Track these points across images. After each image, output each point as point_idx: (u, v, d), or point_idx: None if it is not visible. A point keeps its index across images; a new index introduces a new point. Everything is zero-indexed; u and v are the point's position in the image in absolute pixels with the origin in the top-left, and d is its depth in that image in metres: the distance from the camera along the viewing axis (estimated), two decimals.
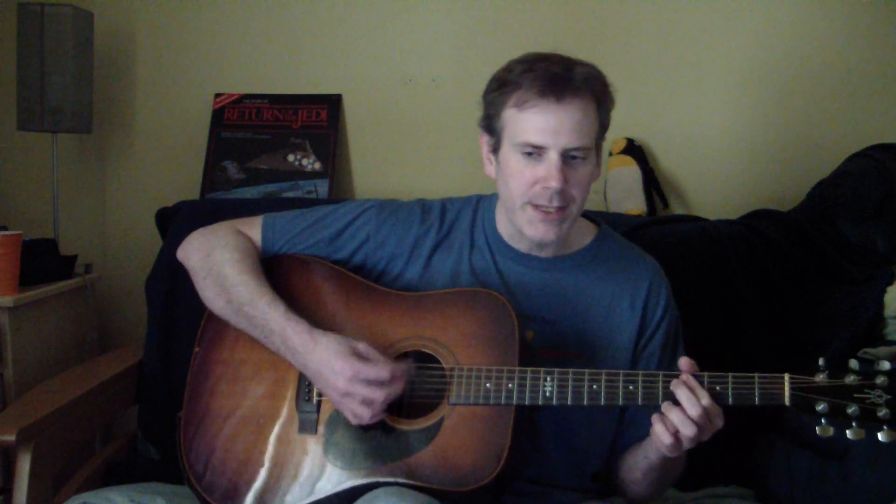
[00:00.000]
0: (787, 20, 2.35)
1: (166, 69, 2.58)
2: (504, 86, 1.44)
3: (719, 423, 1.31)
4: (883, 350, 1.79)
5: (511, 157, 1.44)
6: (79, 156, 2.62)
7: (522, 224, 1.47)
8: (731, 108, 2.39)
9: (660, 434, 1.31)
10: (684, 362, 1.34)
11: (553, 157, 1.40)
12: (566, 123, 1.40)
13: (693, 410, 1.29)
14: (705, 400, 1.29)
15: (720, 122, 2.40)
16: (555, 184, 1.40)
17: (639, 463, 1.49)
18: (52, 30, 2.30)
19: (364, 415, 1.38)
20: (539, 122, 1.40)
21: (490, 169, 1.53)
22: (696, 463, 1.51)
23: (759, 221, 2.10)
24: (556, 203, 1.42)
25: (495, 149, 1.49)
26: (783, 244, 2.03)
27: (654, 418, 1.33)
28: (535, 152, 1.41)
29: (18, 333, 2.08)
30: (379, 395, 1.37)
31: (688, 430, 1.29)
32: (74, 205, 2.59)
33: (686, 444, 1.32)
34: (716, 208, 2.33)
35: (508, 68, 1.45)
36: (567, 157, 1.41)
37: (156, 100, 2.59)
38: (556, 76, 1.39)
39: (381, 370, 1.37)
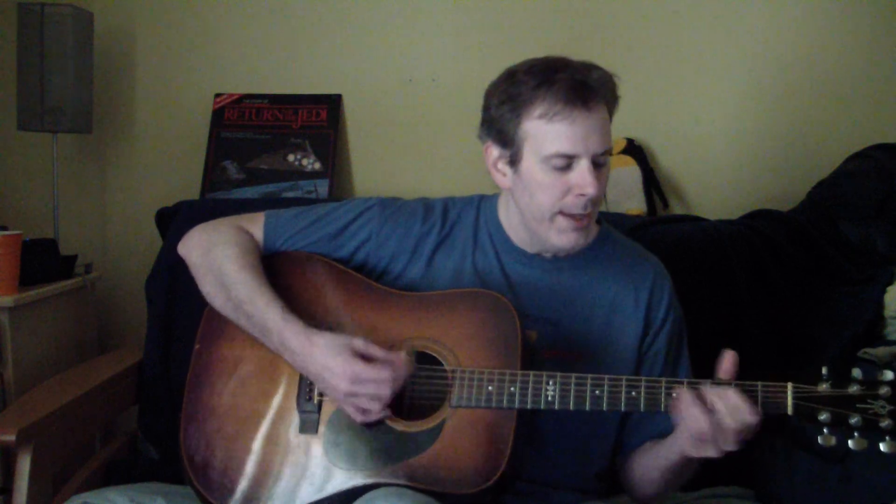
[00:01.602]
0: (788, 20, 2.36)
1: (166, 69, 2.58)
2: (516, 98, 1.42)
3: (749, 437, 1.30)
4: (883, 350, 1.79)
5: (538, 169, 1.42)
6: (79, 156, 2.62)
7: (550, 234, 1.46)
8: (732, 109, 2.40)
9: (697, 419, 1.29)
10: (728, 359, 1.33)
11: (584, 164, 1.40)
12: (594, 129, 1.39)
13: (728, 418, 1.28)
14: (752, 418, 1.28)
15: (720, 122, 2.40)
16: (592, 191, 1.39)
17: (658, 462, 1.48)
18: (52, 30, 2.30)
19: (373, 408, 1.38)
20: (570, 132, 1.39)
21: (503, 180, 1.51)
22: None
23: (759, 221, 2.10)
24: (588, 210, 1.42)
25: (513, 161, 1.47)
26: (783, 244, 2.03)
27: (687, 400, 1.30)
28: (565, 163, 1.40)
29: (18, 333, 2.08)
30: (384, 390, 1.37)
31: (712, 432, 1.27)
32: (74, 205, 2.59)
33: (711, 447, 1.30)
34: (716, 208, 2.33)
35: (516, 81, 1.43)
36: (595, 163, 1.41)
37: (156, 100, 2.59)
38: (581, 84, 1.39)
39: (382, 370, 1.37)
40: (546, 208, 1.44)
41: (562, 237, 1.45)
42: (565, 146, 1.39)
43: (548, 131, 1.40)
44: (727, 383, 1.31)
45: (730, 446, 1.29)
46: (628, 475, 1.57)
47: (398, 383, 1.38)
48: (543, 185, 1.42)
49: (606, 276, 1.55)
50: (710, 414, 1.28)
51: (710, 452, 1.30)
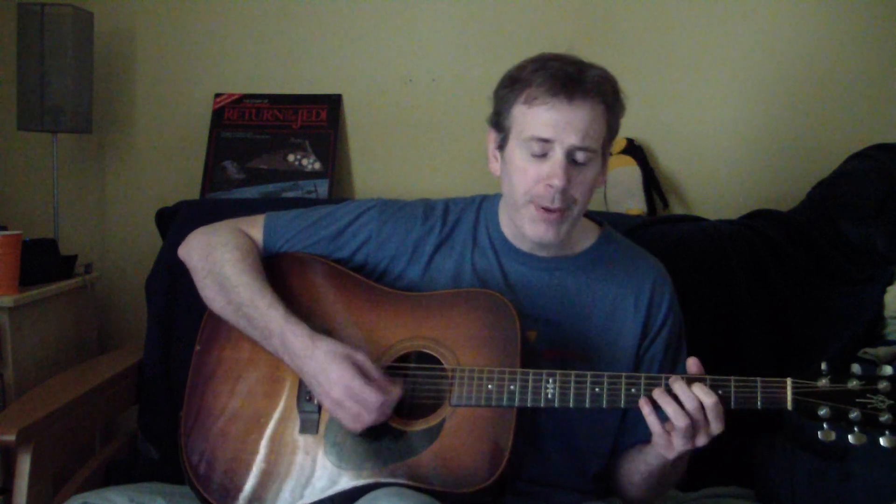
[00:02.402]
0: (788, 20, 2.36)
1: (166, 69, 2.58)
2: (515, 83, 1.44)
3: (716, 427, 1.30)
4: (883, 350, 1.79)
5: (516, 153, 1.44)
6: (79, 156, 2.62)
7: (523, 222, 1.47)
8: (732, 109, 2.40)
9: (651, 425, 1.31)
10: (692, 363, 1.34)
11: (558, 155, 1.40)
12: (574, 123, 1.39)
13: (688, 404, 1.28)
14: (706, 398, 1.29)
15: (720, 122, 2.40)
16: (558, 182, 1.40)
17: (639, 467, 1.49)
18: (52, 30, 2.30)
19: (352, 427, 1.39)
20: (547, 118, 1.40)
21: (495, 166, 1.53)
22: (697, 463, 1.51)
23: (759, 221, 2.10)
24: (557, 204, 1.42)
25: (501, 145, 1.49)
26: (783, 244, 2.03)
27: (642, 402, 1.32)
28: (541, 150, 1.41)
29: (18, 333, 2.08)
30: (366, 417, 1.37)
31: (680, 422, 1.28)
32: (74, 205, 2.59)
33: (679, 441, 1.30)
34: (716, 208, 2.33)
35: (521, 66, 1.45)
36: (572, 158, 1.41)
37: (156, 100, 2.59)
38: (569, 76, 1.39)
39: (373, 393, 1.36)
40: (520, 194, 1.44)
41: (530, 227, 1.46)
42: (539, 130, 1.40)
43: (527, 114, 1.42)
44: (726, 381, 1.31)
45: (701, 438, 1.30)
46: (614, 478, 1.58)
47: (382, 413, 1.38)
48: (519, 170, 1.44)
49: (607, 278, 1.55)
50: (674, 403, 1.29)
51: (682, 445, 1.30)
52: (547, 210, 1.43)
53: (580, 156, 1.42)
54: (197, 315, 1.61)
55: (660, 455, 1.37)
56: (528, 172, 1.43)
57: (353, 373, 1.37)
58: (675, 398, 1.30)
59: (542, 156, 1.42)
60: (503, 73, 1.50)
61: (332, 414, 1.41)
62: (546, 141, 1.40)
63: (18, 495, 1.59)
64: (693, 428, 1.29)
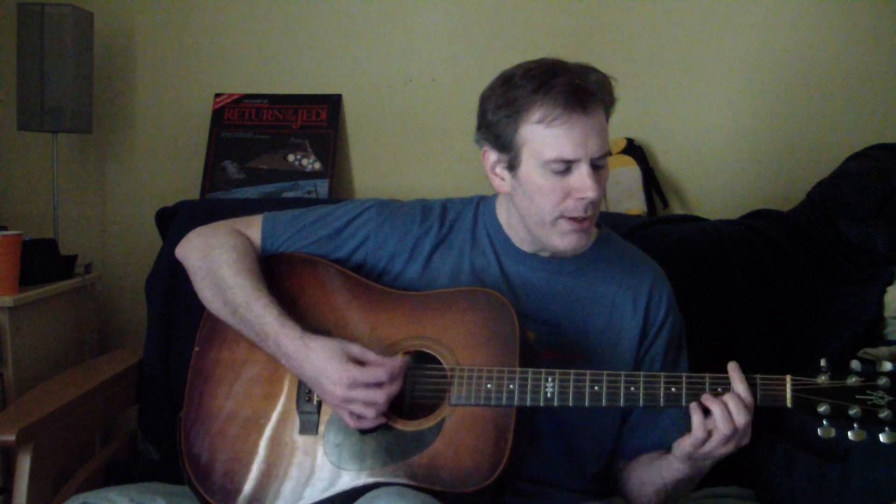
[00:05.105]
0: (788, 20, 2.36)
1: (166, 69, 2.58)
2: (513, 102, 1.41)
3: (746, 439, 1.31)
4: (883, 350, 1.79)
5: (537, 173, 1.42)
6: (79, 156, 2.62)
7: (552, 238, 1.46)
8: (732, 108, 2.40)
9: (695, 427, 1.31)
10: (733, 367, 1.34)
11: (584, 167, 1.40)
12: (593, 133, 1.39)
13: (740, 418, 1.29)
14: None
15: (720, 122, 2.40)
16: (592, 194, 1.39)
17: (654, 480, 1.47)
18: (52, 30, 2.31)
19: (368, 415, 1.38)
20: (569, 136, 1.38)
21: (501, 184, 1.50)
22: None
23: (759, 221, 2.10)
24: (589, 212, 1.43)
25: (511, 166, 1.46)
26: (783, 244, 2.03)
27: (693, 407, 1.32)
28: (564, 167, 1.40)
29: (18, 333, 2.08)
30: (380, 396, 1.37)
31: (726, 428, 1.28)
32: (74, 205, 2.59)
33: (713, 444, 1.30)
34: (716, 208, 2.34)
35: (514, 85, 1.42)
36: (594, 165, 1.41)
37: (156, 100, 2.59)
38: (580, 88, 1.38)
39: (378, 372, 1.37)
40: (547, 212, 1.43)
41: (564, 240, 1.45)
42: (565, 151, 1.39)
43: (546, 136, 1.40)
44: (725, 379, 1.32)
45: (730, 446, 1.31)
46: (622, 485, 1.57)
47: (393, 388, 1.38)
48: (543, 190, 1.42)
49: (605, 279, 1.55)
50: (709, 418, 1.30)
51: (714, 448, 1.31)
52: (578, 221, 1.43)
53: (601, 162, 1.42)
54: (197, 315, 1.60)
55: (679, 469, 1.37)
56: (554, 190, 1.41)
57: (351, 365, 1.38)
58: (725, 406, 1.30)
59: (565, 171, 1.41)
60: (488, 90, 1.47)
61: (341, 412, 1.40)
62: (571, 161, 1.40)
63: (18, 495, 1.59)
64: (731, 436, 1.30)
